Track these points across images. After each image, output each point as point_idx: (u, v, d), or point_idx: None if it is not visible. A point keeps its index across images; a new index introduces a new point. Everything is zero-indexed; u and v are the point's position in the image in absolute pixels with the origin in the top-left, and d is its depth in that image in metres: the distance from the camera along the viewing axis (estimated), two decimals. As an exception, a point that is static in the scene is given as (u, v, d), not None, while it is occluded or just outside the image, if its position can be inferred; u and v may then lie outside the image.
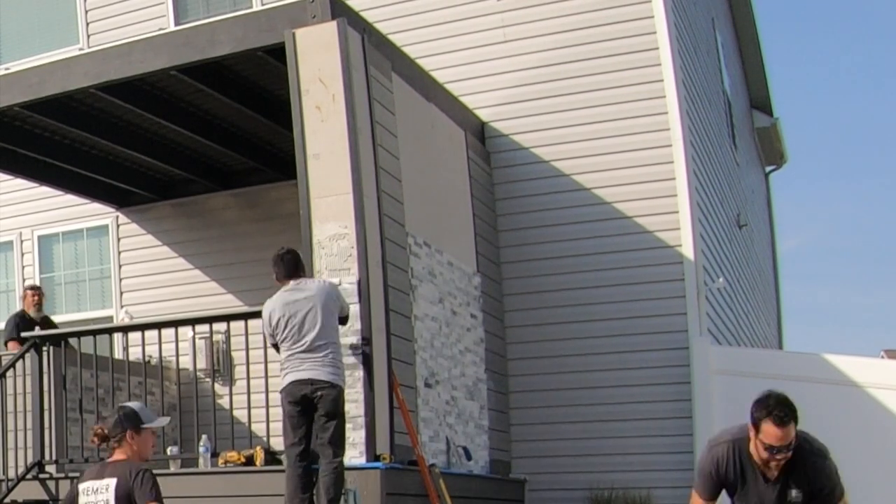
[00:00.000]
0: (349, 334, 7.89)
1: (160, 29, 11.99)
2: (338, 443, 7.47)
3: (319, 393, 7.42)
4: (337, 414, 7.46)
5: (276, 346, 7.73)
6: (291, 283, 7.69)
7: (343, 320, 7.77)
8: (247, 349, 8.57)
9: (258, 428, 8.65)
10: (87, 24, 13.08)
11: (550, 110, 11.14)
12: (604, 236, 10.89)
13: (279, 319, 7.57)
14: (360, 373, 7.88)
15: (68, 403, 9.29)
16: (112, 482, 5.16)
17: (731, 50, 16.17)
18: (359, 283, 7.97)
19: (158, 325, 9.39)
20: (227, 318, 9.33)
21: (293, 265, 7.75)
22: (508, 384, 11.00)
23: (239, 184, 12.05)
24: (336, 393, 7.48)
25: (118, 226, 12.59)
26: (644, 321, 10.66)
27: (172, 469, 8.59)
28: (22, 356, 9.30)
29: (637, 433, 10.54)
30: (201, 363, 10.65)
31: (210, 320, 9.33)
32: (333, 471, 7.39)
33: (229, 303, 11.45)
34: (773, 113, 18.17)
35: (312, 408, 7.45)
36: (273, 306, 7.65)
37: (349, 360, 7.85)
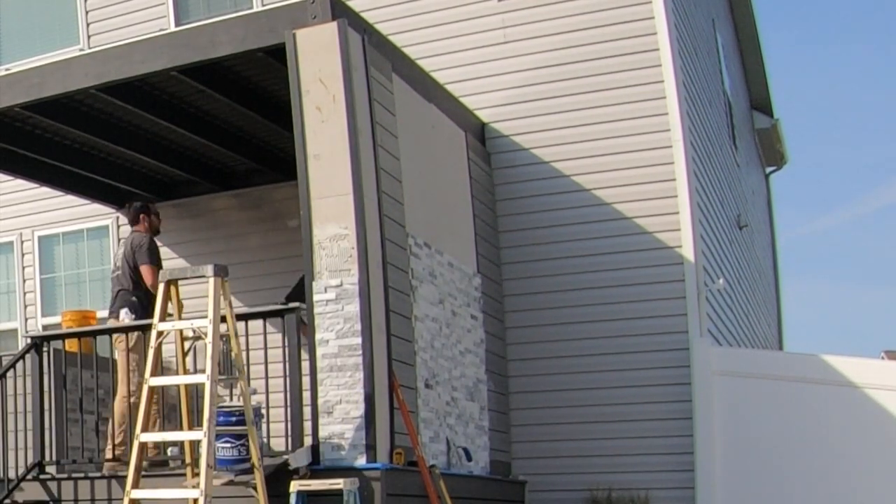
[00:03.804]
0: (349, 335, 7.89)
1: (161, 29, 11.98)
2: None
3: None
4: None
5: None
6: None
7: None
8: (247, 349, 8.57)
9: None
10: (88, 24, 13.08)
11: (551, 111, 11.15)
12: (604, 237, 10.89)
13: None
14: (360, 373, 7.88)
15: (68, 404, 9.28)
16: None
17: (731, 50, 16.17)
18: (359, 283, 7.97)
19: (159, 326, 9.38)
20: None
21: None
22: (509, 385, 11.00)
23: (239, 185, 12.04)
24: None
25: (118, 226, 12.59)
26: (644, 322, 10.66)
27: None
28: (22, 357, 9.30)
29: (637, 434, 10.55)
30: (201, 364, 10.63)
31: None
32: None
33: (229, 303, 11.44)
34: (774, 114, 18.18)
35: None
36: None
37: (349, 361, 7.86)
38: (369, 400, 7.86)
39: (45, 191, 12.46)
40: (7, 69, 11.75)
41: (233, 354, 7.81)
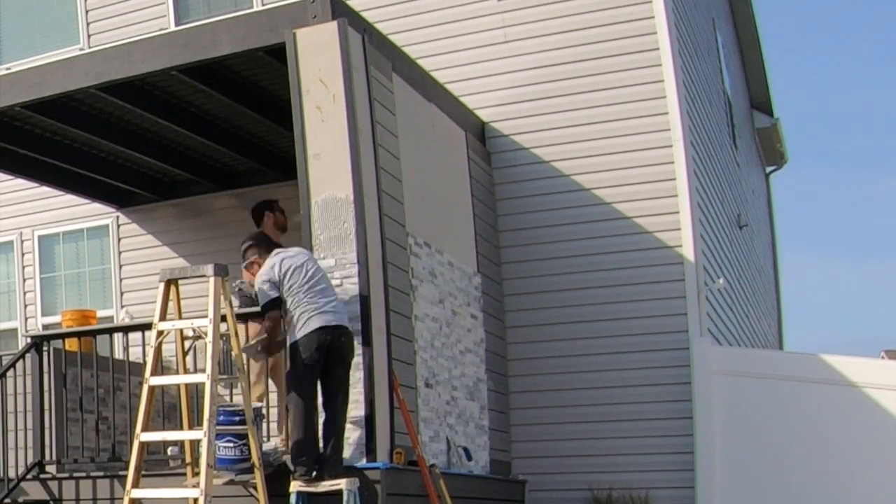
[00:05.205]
0: (349, 334, 7.89)
1: (161, 29, 11.99)
2: (348, 391, 7.70)
3: (344, 339, 7.60)
4: (351, 361, 7.71)
5: (271, 306, 7.77)
6: (276, 250, 7.96)
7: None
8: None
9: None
10: (88, 24, 13.08)
11: (551, 111, 11.15)
12: (604, 237, 10.89)
13: (287, 269, 7.67)
14: (360, 373, 7.88)
15: (68, 403, 9.28)
16: None
17: (731, 50, 16.17)
18: (359, 283, 7.97)
19: (159, 326, 9.37)
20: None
21: (270, 243, 8.15)
22: (509, 384, 11.00)
23: (240, 184, 12.04)
24: (352, 339, 7.71)
25: (118, 226, 12.59)
26: (644, 321, 10.66)
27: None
28: (22, 356, 9.30)
29: (637, 433, 10.55)
30: (201, 363, 10.62)
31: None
32: (344, 420, 7.62)
33: (229, 303, 11.44)
34: (774, 113, 18.18)
35: (327, 356, 7.57)
36: (274, 261, 7.76)
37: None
38: (369, 399, 7.86)
39: (45, 191, 12.46)
40: (7, 69, 11.75)
41: (233, 354, 7.80)
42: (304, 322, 7.60)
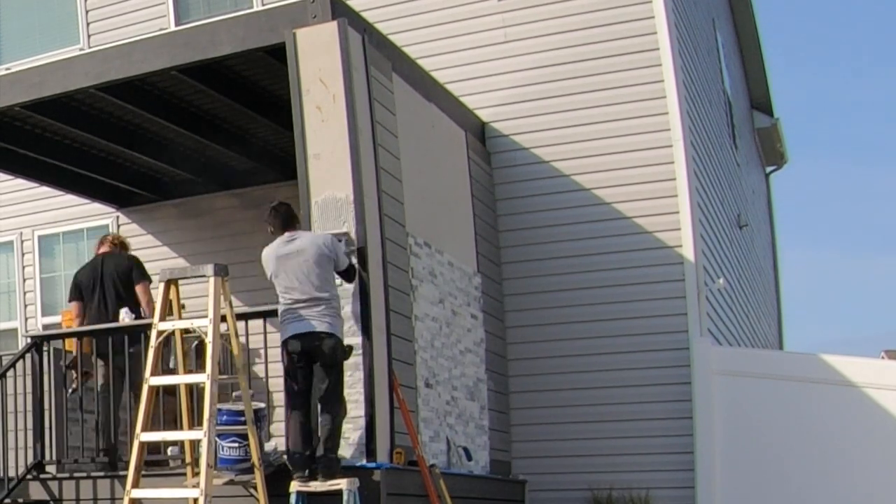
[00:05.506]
0: (348, 335, 7.89)
1: (161, 29, 11.99)
2: (335, 392, 7.65)
3: (317, 343, 7.59)
4: (335, 364, 7.64)
5: None
6: (286, 234, 7.85)
7: (346, 275, 7.89)
8: (247, 349, 8.57)
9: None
10: (88, 24, 13.08)
11: (551, 111, 11.15)
12: (604, 237, 10.89)
13: (273, 273, 7.77)
14: (360, 373, 7.88)
15: (68, 403, 9.28)
16: None
17: (731, 50, 16.17)
18: (360, 282, 7.97)
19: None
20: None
21: (287, 218, 7.92)
22: (509, 384, 11.00)
23: (240, 184, 12.04)
24: (334, 342, 7.63)
25: (119, 226, 12.58)
26: (644, 321, 10.66)
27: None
28: (22, 356, 9.30)
29: (637, 433, 10.55)
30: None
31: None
32: (332, 421, 7.58)
33: (229, 303, 11.43)
34: (774, 113, 18.18)
35: (312, 360, 7.64)
36: (267, 258, 7.82)
37: (349, 360, 7.85)
38: (369, 399, 7.86)
39: (45, 191, 12.45)
40: (7, 69, 11.75)
41: (233, 354, 7.80)
42: (282, 329, 7.74)
